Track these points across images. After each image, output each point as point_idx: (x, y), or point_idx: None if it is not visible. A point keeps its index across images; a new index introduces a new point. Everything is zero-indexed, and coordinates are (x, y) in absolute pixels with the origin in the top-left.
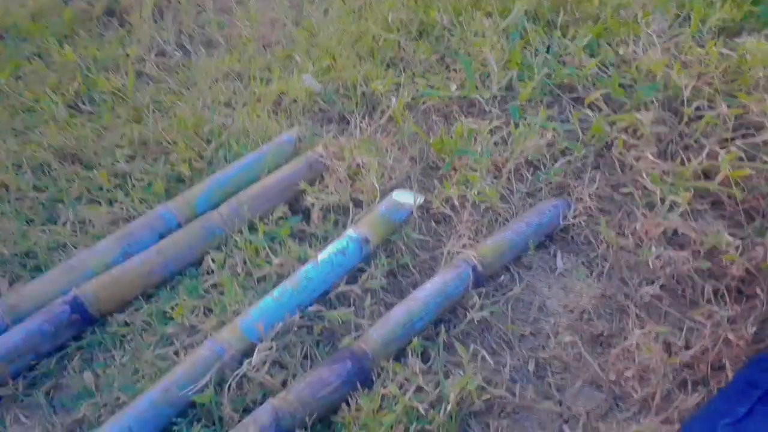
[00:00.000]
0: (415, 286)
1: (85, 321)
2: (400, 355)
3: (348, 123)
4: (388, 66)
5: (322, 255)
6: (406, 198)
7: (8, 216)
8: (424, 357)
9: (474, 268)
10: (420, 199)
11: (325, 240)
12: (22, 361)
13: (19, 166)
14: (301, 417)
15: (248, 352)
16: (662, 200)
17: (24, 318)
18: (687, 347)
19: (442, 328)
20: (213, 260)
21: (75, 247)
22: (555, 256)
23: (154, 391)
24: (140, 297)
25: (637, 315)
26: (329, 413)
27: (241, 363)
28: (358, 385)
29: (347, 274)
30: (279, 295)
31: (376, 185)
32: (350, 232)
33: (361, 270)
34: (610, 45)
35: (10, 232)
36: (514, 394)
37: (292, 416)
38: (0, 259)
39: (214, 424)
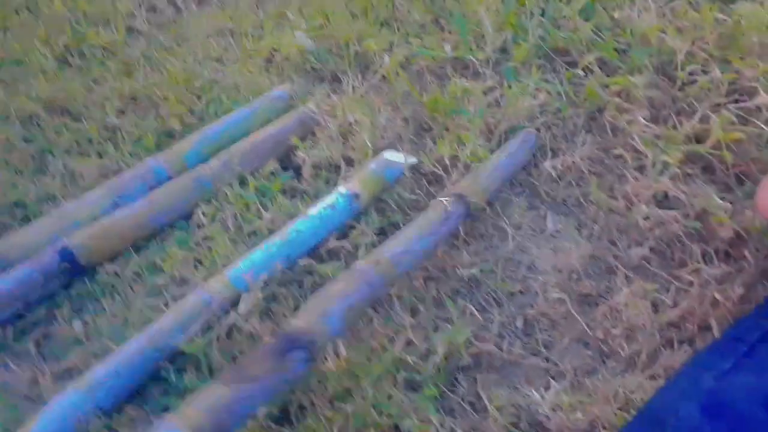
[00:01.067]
0: None
1: (74, 271)
2: (388, 308)
3: (340, 82)
4: (381, 25)
5: (312, 209)
6: (397, 157)
7: None
8: (413, 312)
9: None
10: (412, 160)
11: (316, 197)
12: (10, 309)
13: (7, 117)
14: None
15: (236, 302)
16: (653, 163)
17: (12, 266)
18: (674, 306)
19: (432, 284)
20: (203, 213)
21: (64, 199)
22: (545, 217)
23: (142, 337)
24: (130, 248)
25: (625, 276)
26: None
27: (229, 312)
28: None
29: (337, 230)
30: (268, 247)
31: (369, 143)
32: (340, 188)
33: (352, 227)
34: (605, 9)
35: None
36: (501, 350)
37: None
38: None
39: (203, 373)
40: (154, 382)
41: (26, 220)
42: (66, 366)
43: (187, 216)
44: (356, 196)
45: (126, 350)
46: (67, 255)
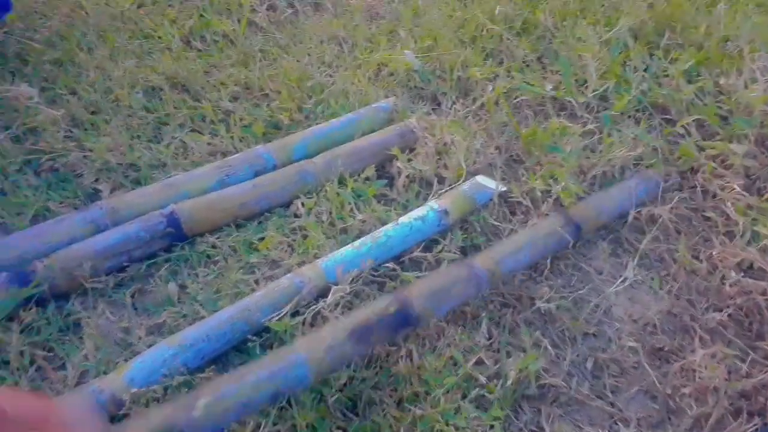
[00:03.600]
0: None
1: (177, 236)
2: (465, 324)
3: (439, 104)
4: (487, 56)
5: (404, 218)
6: (489, 183)
7: (118, 129)
8: (489, 333)
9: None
10: (502, 188)
11: (406, 208)
12: (116, 260)
13: (133, 86)
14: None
15: (323, 292)
16: (743, 232)
17: (122, 222)
18: (748, 377)
19: (508, 311)
20: (302, 204)
21: (174, 169)
22: (626, 266)
23: (233, 308)
24: (231, 224)
25: (700, 338)
26: None
27: (316, 300)
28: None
29: (423, 242)
30: (359, 245)
31: (463, 164)
32: (432, 203)
33: (436, 242)
34: (710, 74)
35: (118, 143)
36: (569, 387)
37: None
38: (106, 167)
39: None
40: (237, 353)
41: (137, 182)
42: (158, 322)
43: (287, 204)
44: (446, 212)
45: (218, 318)
46: (173, 221)
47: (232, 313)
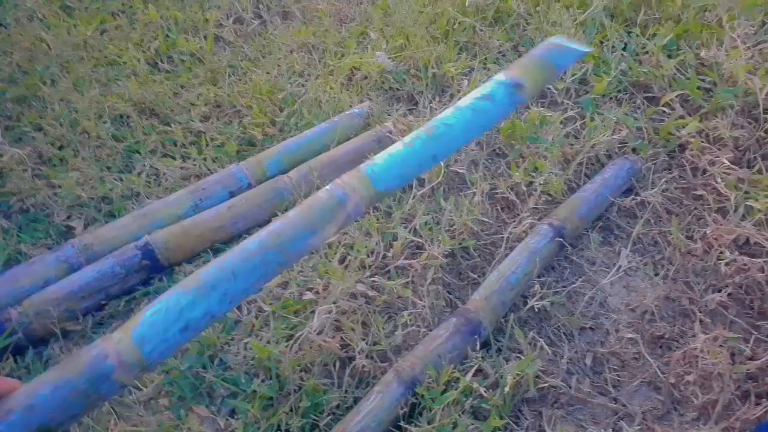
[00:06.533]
0: (473, 269)
1: (154, 268)
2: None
3: (416, 103)
4: (461, 49)
5: (463, 101)
6: (569, 42)
7: (87, 161)
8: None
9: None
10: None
11: (389, 215)
12: (92, 300)
13: (100, 115)
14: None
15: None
16: (736, 207)
17: (97, 258)
18: (753, 358)
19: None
20: None
21: (148, 197)
22: (619, 254)
23: (264, 233)
24: (208, 250)
25: (701, 321)
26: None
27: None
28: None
29: (494, 126)
30: (411, 141)
31: (443, 164)
32: (499, 76)
33: (421, 248)
34: (690, 47)
35: (88, 177)
36: (569, 386)
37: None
38: (78, 202)
39: (272, 379)
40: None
41: (110, 215)
42: None
43: (265, 223)
44: (519, 86)
45: (245, 249)
46: (148, 252)
47: (263, 238)
